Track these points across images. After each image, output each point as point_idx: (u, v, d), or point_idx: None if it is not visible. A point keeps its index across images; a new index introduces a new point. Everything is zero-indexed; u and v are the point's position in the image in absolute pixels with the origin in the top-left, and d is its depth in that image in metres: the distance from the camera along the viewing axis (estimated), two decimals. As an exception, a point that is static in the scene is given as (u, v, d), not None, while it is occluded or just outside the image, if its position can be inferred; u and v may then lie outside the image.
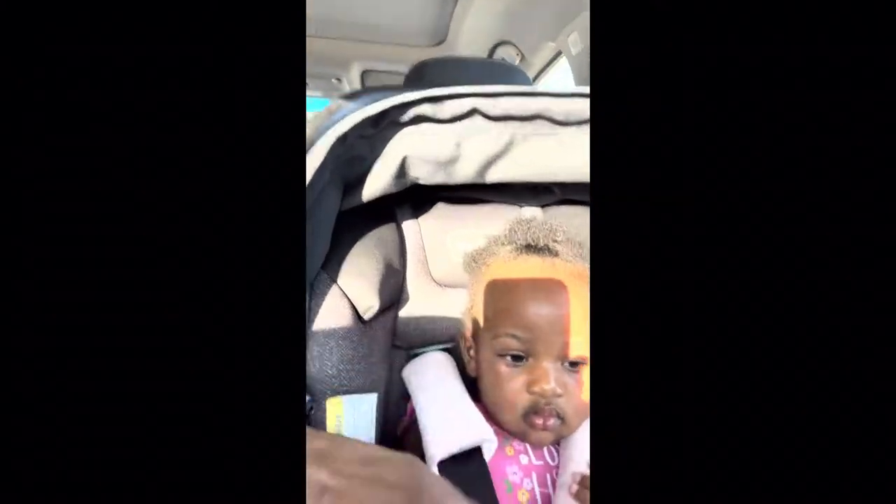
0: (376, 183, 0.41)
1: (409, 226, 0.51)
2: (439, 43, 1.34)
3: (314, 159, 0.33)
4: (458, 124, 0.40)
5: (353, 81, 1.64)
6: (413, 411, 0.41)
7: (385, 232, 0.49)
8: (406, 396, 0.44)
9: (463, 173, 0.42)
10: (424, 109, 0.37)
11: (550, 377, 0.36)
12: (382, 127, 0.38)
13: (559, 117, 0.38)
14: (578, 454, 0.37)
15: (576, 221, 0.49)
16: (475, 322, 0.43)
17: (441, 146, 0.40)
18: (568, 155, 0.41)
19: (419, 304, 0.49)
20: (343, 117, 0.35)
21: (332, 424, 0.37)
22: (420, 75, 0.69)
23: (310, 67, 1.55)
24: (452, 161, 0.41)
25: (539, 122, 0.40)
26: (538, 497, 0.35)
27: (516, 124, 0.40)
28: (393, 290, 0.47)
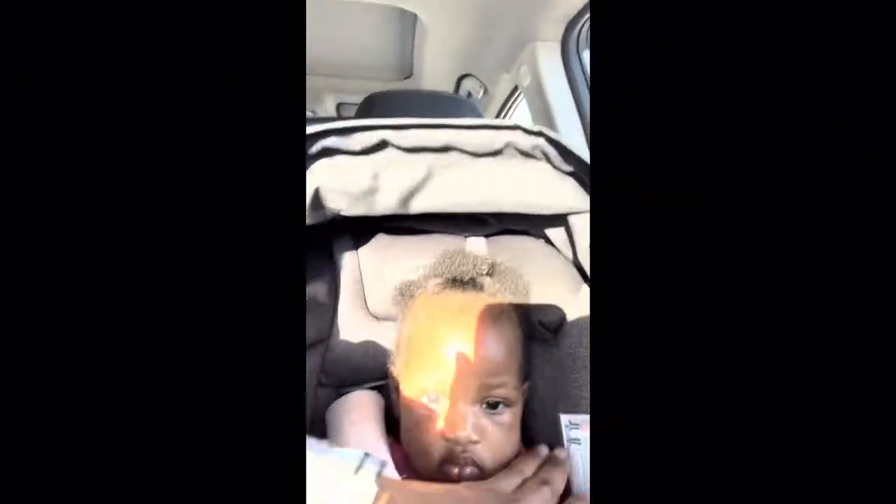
0: (291, 216, 0.40)
1: (346, 256, 0.50)
2: (407, 77, 1.38)
3: None
4: (371, 156, 0.39)
5: (328, 112, 1.68)
6: None
7: (315, 264, 0.47)
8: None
9: (384, 204, 0.42)
10: (332, 142, 0.37)
11: (466, 422, 0.34)
12: None
13: (470, 149, 0.38)
14: None
15: (519, 251, 0.48)
16: (399, 360, 0.41)
17: (355, 177, 0.39)
18: (488, 186, 0.41)
19: (352, 338, 0.47)
20: None
21: None
22: (369, 108, 0.71)
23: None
24: (371, 192, 0.41)
25: (453, 154, 0.40)
26: None
27: (431, 156, 0.40)
28: (318, 325, 0.45)
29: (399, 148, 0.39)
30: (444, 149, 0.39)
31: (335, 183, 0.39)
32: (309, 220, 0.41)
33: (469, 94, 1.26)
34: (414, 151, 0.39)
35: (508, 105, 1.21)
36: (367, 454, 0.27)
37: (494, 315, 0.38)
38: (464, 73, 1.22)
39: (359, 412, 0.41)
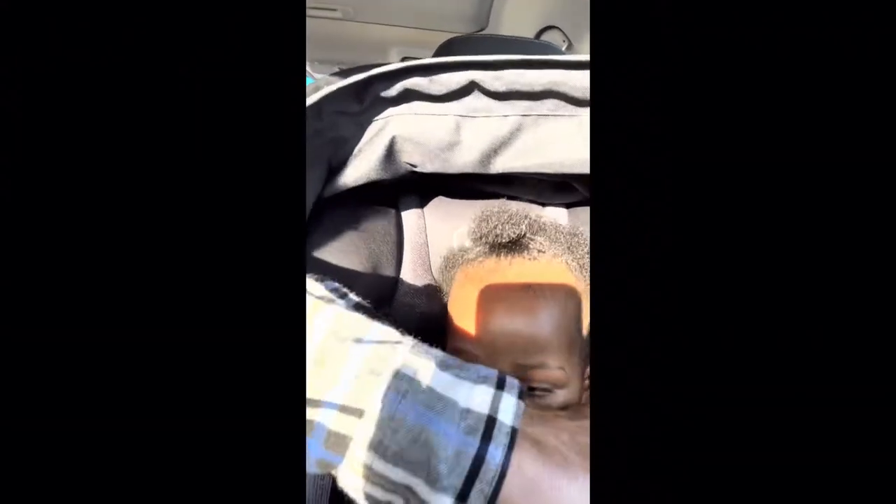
0: (362, 166, 0.36)
1: (411, 218, 0.46)
2: (481, 29, 1.27)
3: None
4: (455, 103, 0.34)
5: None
6: None
7: (378, 224, 0.44)
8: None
9: (462, 161, 0.37)
10: (414, 82, 0.32)
11: None
12: (368, 103, 0.33)
13: (577, 94, 0.31)
14: None
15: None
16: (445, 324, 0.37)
17: (436, 128, 0.34)
18: (585, 142, 0.34)
19: (412, 305, 0.44)
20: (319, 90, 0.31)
21: None
22: (448, 53, 0.64)
23: (344, 54, 1.54)
24: (450, 147, 0.36)
25: (551, 102, 0.33)
26: None
27: (525, 104, 0.33)
28: (381, 289, 0.42)
29: (488, 93, 0.33)
30: (543, 94, 0.32)
31: (412, 133, 0.35)
32: (380, 175, 0.37)
33: (550, 49, 1.14)
34: (506, 98, 0.33)
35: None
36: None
37: (535, 279, 0.32)
38: (547, 24, 1.10)
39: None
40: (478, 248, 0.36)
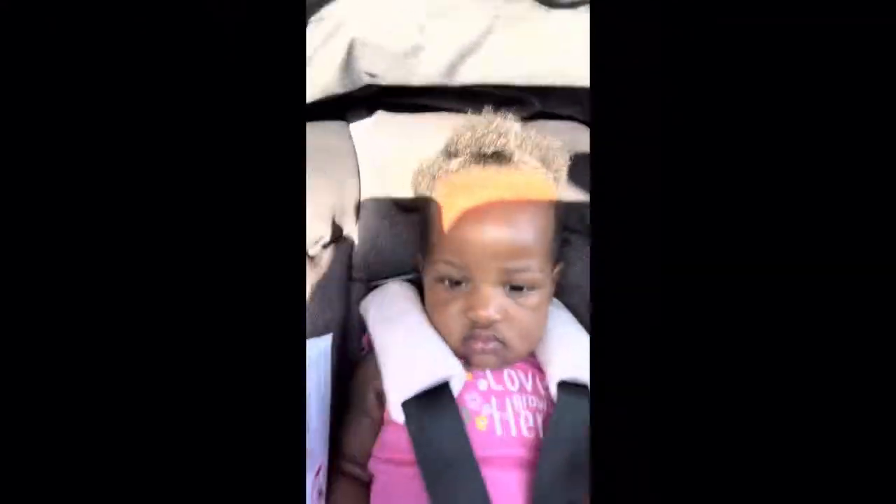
0: (320, 78, 0.32)
1: (363, 136, 0.43)
2: None
3: None
4: None
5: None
6: (370, 343, 0.38)
7: (335, 142, 0.40)
8: (364, 331, 0.40)
9: (426, 71, 0.34)
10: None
11: (488, 303, 0.33)
12: None
13: None
14: (558, 360, 0.35)
15: (560, 141, 0.42)
16: (423, 244, 0.38)
17: (399, 26, 0.31)
18: (558, 48, 0.33)
19: (378, 227, 0.43)
20: None
21: None
22: None
23: None
24: (414, 52, 0.33)
25: (527, 1, 0.31)
26: (497, 423, 0.34)
27: (496, 2, 0.31)
28: (346, 214, 0.40)
29: None
30: None
31: (373, 35, 0.31)
32: (338, 89, 0.33)
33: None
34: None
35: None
36: None
37: (519, 191, 0.34)
38: None
39: (400, 301, 0.39)
40: (460, 159, 0.36)
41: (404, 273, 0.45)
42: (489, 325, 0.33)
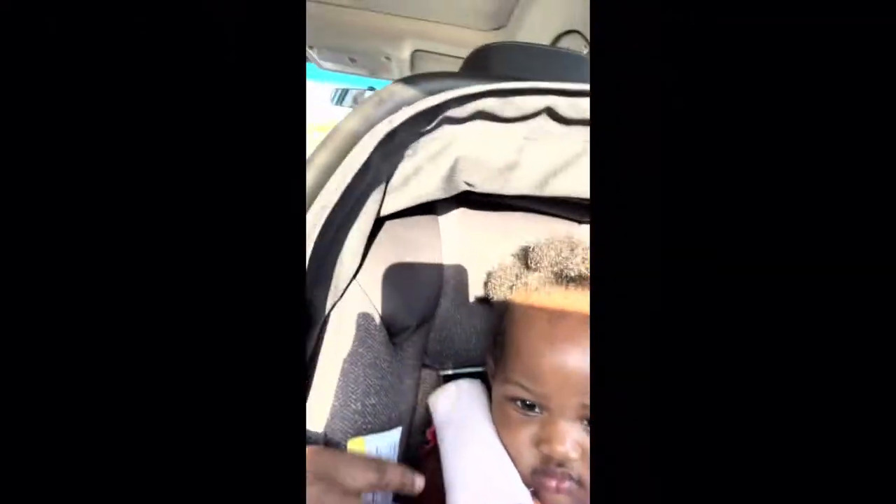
0: (424, 186, 0.36)
1: (449, 231, 0.46)
2: (499, 27, 1.25)
3: (359, 156, 0.29)
4: (522, 124, 0.34)
5: (402, 63, 1.59)
6: (434, 438, 0.37)
7: (423, 237, 0.44)
8: (429, 424, 0.40)
9: (519, 184, 0.37)
10: (488, 104, 0.32)
11: (565, 439, 0.31)
12: (436, 122, 0.33)
13: None
14: None
15: None
16: (495, 350, 0.38)
17: (501, 150, 0.34)
18: None
19: (456, 319, 0.44)
20: (397, 108, 0.30)
21: None
22: (484, 62, 0.62)
23: (356, 42, 1.50)
24: (510, 168, 0.36)
25: None
26: None
27: (587, 133, 0.33)
28: (428, 305, 0.42)
29: (559, 119, 0.33)
30: None
31: (476, 153, 0.35)
32: (440, 195, 0.37)
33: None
34: (575, 124, 0.33)
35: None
36: None
37: None
38: (568, 28, 1.09)
39: (468, 403, 0.38)
40: (540, 275, 0.36)
41: (473, 365, 0.44)
42: (565, 462, 0.31)
